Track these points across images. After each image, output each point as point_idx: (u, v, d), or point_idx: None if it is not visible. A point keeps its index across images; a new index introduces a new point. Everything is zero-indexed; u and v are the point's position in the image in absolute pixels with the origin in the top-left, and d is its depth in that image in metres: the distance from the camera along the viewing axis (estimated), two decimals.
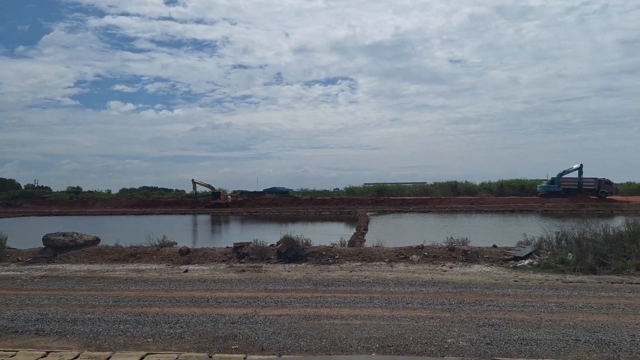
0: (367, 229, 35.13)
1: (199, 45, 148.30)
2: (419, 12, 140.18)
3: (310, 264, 13.21)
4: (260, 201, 70.64)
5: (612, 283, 10.12)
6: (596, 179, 58.95)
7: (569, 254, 12.33)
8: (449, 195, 68.15)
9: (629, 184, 68.51)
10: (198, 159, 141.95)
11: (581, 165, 59.45)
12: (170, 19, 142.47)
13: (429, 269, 12.19)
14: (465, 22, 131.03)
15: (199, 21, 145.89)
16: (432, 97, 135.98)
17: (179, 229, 36.56)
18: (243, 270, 12.41)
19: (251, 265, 13.22)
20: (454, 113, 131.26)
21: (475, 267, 12.32)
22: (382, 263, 13.12)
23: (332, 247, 14.47)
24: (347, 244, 15.41)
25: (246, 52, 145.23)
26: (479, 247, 13.92)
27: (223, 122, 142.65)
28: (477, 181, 74.89)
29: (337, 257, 13.61)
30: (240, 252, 14.00)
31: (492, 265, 12.54)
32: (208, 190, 72.79)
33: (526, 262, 12.42)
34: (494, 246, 14.16)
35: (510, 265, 12.30)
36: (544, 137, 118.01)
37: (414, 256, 13.37)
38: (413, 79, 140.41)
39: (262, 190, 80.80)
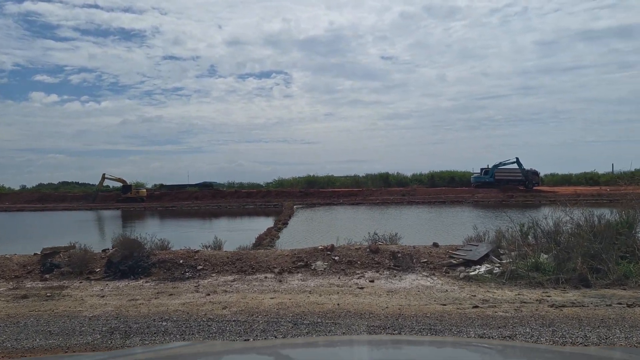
0: (286, 224, 30.60)
1: (127, 35, 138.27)
2: (352, 9, 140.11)
3: (153, 280, 8.35)
4: (180, 195, 65.02)
5: (629, 306, 6.09)
6: (524, 168, 59.05)
7: (543, 255, 8.32)
8: (380, 187, 66.00)
9: (552, 175, 69.43)
10: (127, 153, 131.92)
11: (517, 158, 59.40)
12: (95, 6, 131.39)
13: (338, 285, 7.72)
14: (397, 20, 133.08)
15: (126, 10, 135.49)
16: (365, 93, 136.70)
17: (55, 227, 30.38)
18: (26, 297, 7.31)
19: (56, 283, 8.14)
20: (386, 108, 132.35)
21: (409, 279, 8.00)
22: (269, 275, 8.50)
23: (196, 252, 9.62)
24: (220, 247, 10.68)
25: (177, 43, 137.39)
26: (414, 247, 9.63)
27: (153, 115, 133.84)
28: (409, 173, 73.23)
29: (200, 267, 8.84)
30: (48, 263, 8.84)
31: (434, 274, 8.27)
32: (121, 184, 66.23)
33: (482, 268, 8.26)
34: (435, 245, 9.91)
35: (460, 275, 8.07)
36: (469, 132, 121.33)
37: (319, 262, 8.86)
38: (347, 74, 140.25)
39: (193, 184, 74.83)
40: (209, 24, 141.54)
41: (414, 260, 8.86)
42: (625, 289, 7.03)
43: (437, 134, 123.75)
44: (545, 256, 8.26)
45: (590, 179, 61.93)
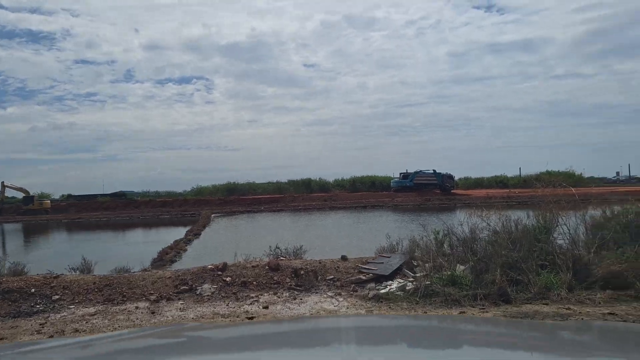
0: (199, 234, 28.56)
1: (35, 38, 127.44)
2: (274, 16, 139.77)
3: None
4: (90, 206, 60.38)
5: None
6: (440, 173, 61.17)
7: (459, 266, 7.46)
8: (302, 192, 65.48)
9: (466, 178, 72.44)
10: (37, 162, 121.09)
11: (434, 170, 61.37)
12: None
13: (224, 314, 6.32)
14: (318, 29, 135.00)
15: (34, 11, 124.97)
16: (288, 100, 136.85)
17: None
18: None
19: None
20: (309, 115, 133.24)
21: (311, 301, 6.78)
22: (142, 305, 6.93)
23: (56, 277, 7.81)
24: (90, 270, 8.92)
25: (90, 46, 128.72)
26: (320, 262, 8.45)
27: (65, 121, 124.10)
28: (332, 178, 73.42)
29: (56, 297, 7.09)
30: None
31: (340, 294, 7.12)
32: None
33: (394, 285, 7.23)
34: (344, 258, 8.79)
35: (370, 294, 6.98)
36: (389, 138, 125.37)
37: (206, 286, 7.41)
38: (270, 81, 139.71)
39: (105, 194, 69.55)
40: (125, 27, 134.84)
41: (319, 277, 7.68)
42: (547, 304, 6.26)
43: (359, 140, 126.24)
44: (462, 267, 7.40)
45: (500, 182, 65.11)
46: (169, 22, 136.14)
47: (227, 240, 25.08)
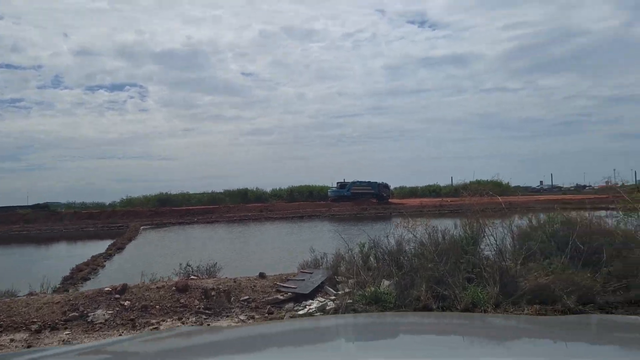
0: (122, 248, 26.70)
1: None
2: (210, 24, 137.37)
3: None
4: (8, 218, 55.63)
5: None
6: (376, 182, 62.04)
7: (384, 282, 6.94)
8: (238, 203, 64.13)
9: (401, 188, 73.94)
10: None
11: (369, 181, 62.10)
12: None
13: None
14: (257, 39, 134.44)
15: None
16: (226, 108, 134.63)
17: None
18: None
19: None
20: (248, 124, 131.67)
21: (224, 326, 5.96)
22: (18, 337, 5.83)
23: None
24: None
25: (15, 50, 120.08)
26: (235, 280, 7.63)
27: None
28: (270, 188, 72.49)
29: None
30: None
31: (254, 317, 6.37)
32: None
33: (314, 305, 6.56)
34: (262, 276, 8.01)
35: (286, 316, 6.27)
36: (327, 149, 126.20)
37: (99, 312, 6.41)
38: (207, 89, 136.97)
39: (26, 205, 64.45)
40: (53, 31, 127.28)
41: (232, 298, 6.89)
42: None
43: (298, 150, 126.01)
44: (387, 283, 6.88)
45: (433, 191, 66.94)
46: (101, 27, 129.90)
47: (151, 255, 23.53)
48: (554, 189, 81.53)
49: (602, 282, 6.78)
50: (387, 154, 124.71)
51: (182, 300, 6.85)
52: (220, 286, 7.16)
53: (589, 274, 6.88)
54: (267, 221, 47.70)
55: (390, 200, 61.81)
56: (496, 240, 7.40)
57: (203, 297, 6.88)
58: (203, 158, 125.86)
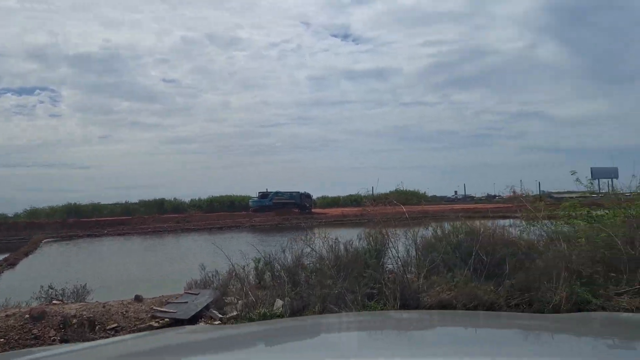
0: (14, 264, 23.99)
1: None
2: (130, 28, 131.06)
3: None
4: None
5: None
6: (298, 192, 61.83)
7: (278, 301, 6.19)
8: (155, 214, 61.14)
9: (324, 197, 74.22)
10: None
11: (290, 192, 61.87)
12: None
13: None
14: (178, 45, 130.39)
15: None
16: (146, 116, 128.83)
17: None
18: None
19: None
20: (169, 132, 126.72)
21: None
22: None
23: None
24: None
25: None
26: (105, 305, 6.50)
27: None
28: (189, 198, 69.81)
29: None
30: None
31: None
32: None
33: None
34: (137, 298, 6.93)
35: None
36: (252, 158, 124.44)
37: None
38: (125, 95, 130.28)
39: None
40: None
41: (97, 327, 5.81)
42: None
43: (222, 159, 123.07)
44: (281, 303, 6.13)
45: (354, 200, 67.64)
46: (10, 27, 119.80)
47: (46, 271, 21.20)
48: (467, 198, 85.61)
49: (505, 295, 6.50)
50: (312, 163, 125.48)
51: (34, 331, 5.68)
52: (85, 313, 6.04)
53: (492, 287, 6.58)
54: (184, 233, 45.68)
55: (312, 210, 61.66)
56: (397, 253, 6.92)
57: (62, 326, 5.75)
58: (121, 167, 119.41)
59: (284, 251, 6.97)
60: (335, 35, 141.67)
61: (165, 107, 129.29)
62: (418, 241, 7.59)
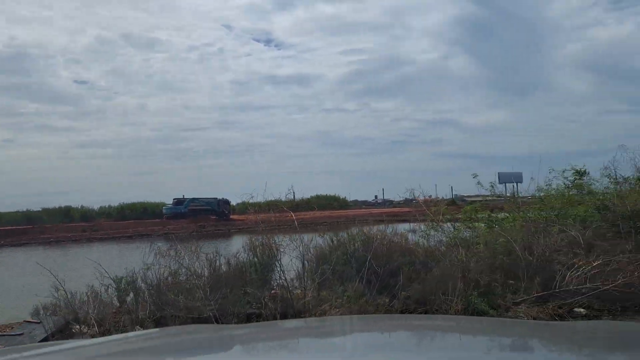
0: None
1: None
2: (39, 26, 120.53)
3: None
4: None
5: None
6: (216, 199, 59.96)
7: (138, 328, 5.16)
8: (60, 222, 56.75)
9: (244, 203, 72.52)
10: None
11: (211, 199, 60.06)
12: None
13: None
14: (93, 45, 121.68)
15: None
16: (56, 118, 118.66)
17: None
18: None
19: None
20: (81, 136, 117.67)
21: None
22: None
23: None
24: None
25: None
26: None
27: None
28: (98, 206, 65.63)
29: None
30: None
31: None
32: None
33: None
34: None
35: None
36: (172, 163, 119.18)
37: None
38: (33, 96, 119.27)
39: None
40: None
41: None
42: None
43: (139, 164, 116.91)
44: (139, 328, 5.11)
45: (276, 205, 66.71)
46: None
47: None
48: (386, 202, 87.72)
49: (400, 308, 5.93)
50: (234, 168, 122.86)
51: None
52: None
53: (387, 300, 6.00)
54: (90, 242, 42.58)
55: (231, 216, 60.06)
56: (281, 266, 6.14)
57: None
58: (27, 173, 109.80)
59: (148, 268, 5.91)
60: (257, 40, 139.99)
61: (77, 110, 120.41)
62: (311, 251, 6.85)
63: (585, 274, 6.40)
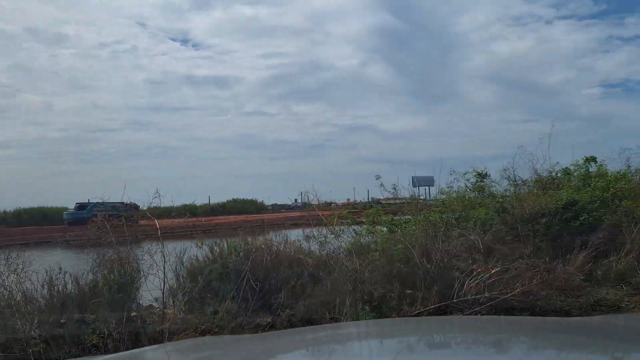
0: None
1: None
2: None
3: None
4: None
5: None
6: (123, 203, 56.02)
7: None
8: None
9: (155, 207, 69.31)
10: None
11: (119, 204, 56.08)
12: None
13: None
14: None
15: None
16: None
17: None
18: None
19: None
20: None
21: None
22: None
23: None
24: None
25: None
26: None
27: None
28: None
29: None
30: None
31: None
32: None
33: None
34: None
35: None
36: (81, 165, 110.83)
37: None
38: None
39: None
40: None
41: None
42: None
43: (45, 167, 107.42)
44: None
45: (190, 210, 64.36)
46: None
47: None
48: (306, 206, 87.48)
49: (285, 328, 5.13)
50: (149, 172, 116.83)
51: None
52: None
53: (268, 319, 5.18)
54: None
55: (140, 222, 56.65)
56: (140, 285, 5.11)
57: None
58: None
59: None
60: (174, 39, 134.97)
61: None
62: (184, 264, 5.88)
63: (484, 282, 5.99)
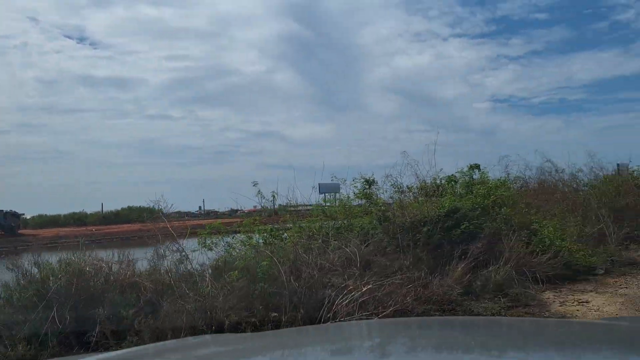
0: None
1: None
2: None
3: None
4: None
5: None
6: (1, 211, 50.88)
7: None
8: None
9: (40, 216, 63.58)
10: None
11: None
12: None
13: None
14: None
15: None
16: None
17: None
18: None
19: None
20: None
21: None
22: None
23: None
24: None
25: None
26: None
27: None
28: None
29: None
30: None
31: None
32: None
33: None
34: None
35: None
36: None
37: None
38: None
39: None
40: None
41: None
42: None
43: None
44: None
45: (79, 219, 59.85)
46: None
47: None
48: (210, 213, 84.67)
49: None
50: (38, 178, 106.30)
51: None
52: None
53: None
54: None
55: (21, 231, 51.48)
56: None
57: None
58: None
59: None
60: (69, 37, 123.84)
61: None
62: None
63: (355, 300, 5.35)
